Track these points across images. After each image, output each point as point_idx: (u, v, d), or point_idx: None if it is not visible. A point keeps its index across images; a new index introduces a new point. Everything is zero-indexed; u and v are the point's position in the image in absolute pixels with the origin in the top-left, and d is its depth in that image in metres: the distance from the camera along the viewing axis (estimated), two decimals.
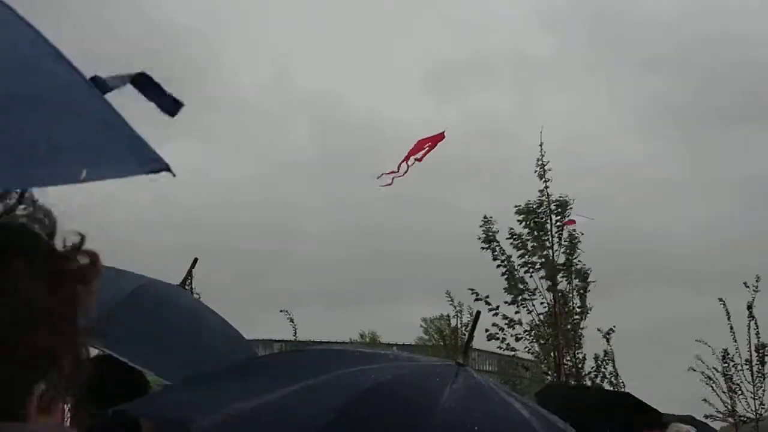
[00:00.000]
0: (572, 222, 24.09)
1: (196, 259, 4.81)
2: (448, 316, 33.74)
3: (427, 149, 21.05)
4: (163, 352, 3.88)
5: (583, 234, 23.05)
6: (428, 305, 77.83)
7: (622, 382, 33.73)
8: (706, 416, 28.71)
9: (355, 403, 2.78)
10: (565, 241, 22.86)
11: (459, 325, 33.75)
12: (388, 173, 20.69)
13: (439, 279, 55.18)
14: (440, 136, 21.19)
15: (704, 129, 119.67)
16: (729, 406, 28.62)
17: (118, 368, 3.75)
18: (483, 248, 22.67)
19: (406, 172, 20.59)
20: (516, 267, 22.53)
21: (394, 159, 21.17)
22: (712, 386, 28.81)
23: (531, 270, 22.63)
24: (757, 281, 27.81)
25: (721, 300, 28.53)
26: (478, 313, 3.37)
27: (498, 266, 22.43)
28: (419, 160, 20.98)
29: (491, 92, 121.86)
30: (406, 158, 20.88)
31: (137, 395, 3.67)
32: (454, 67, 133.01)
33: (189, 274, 4.71)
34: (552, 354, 22.61)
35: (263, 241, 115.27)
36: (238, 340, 4.61)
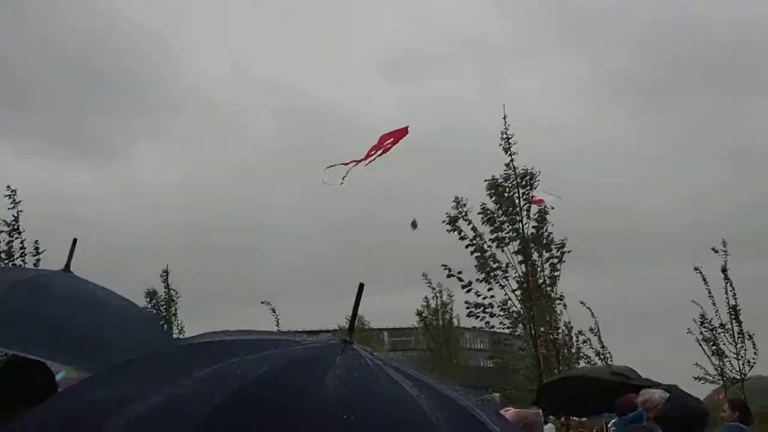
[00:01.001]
0: (540, 201, 24.29)
1: (75, 240, 4.66)
2: (426, 298, 34.01)
3: (390, 144, 20.86)
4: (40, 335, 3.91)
5: (553, 208, 23.12)
6: (417, 290, 77.25)
7: (609, 353, 34.11)
8: (696, 378, 29.20)
9: (224, 408, 2.56)
10: (534, 214, 22.94)
11: (438, 306, 33.97)
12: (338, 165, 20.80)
13: (423, 264, 55.02)
14: (404, 131, 20.95)
15: (672, 104, 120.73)
16: (718, 369, 28.91)
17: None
18: (448, 231, 22.75)
19: (365, 161, 20.67)
20: (488, 243, 22.57)
21: (359, 149, 21.15)
22: (704, 350, 29.21)
23: (502, 245, 22.62)
24: (724, 246, 28.38)
25: (696, 269, 28.98)
26: (361, 286, 2.99)
27: (467, 246, 22.51)
28: (383, 152, 20.89)
29: (451, 77, 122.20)
30: (369, 154, 20.74)
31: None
32: (411, 54, 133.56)
33: (70, 256, 4.57)
34: (528, 327, 22.55)
35: (236, 237, 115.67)
36: (135, 316, 4.64)
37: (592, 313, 34.04)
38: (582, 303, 34.23)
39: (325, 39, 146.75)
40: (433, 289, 31.01)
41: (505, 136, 23.26)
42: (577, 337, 38.27)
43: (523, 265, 22.81)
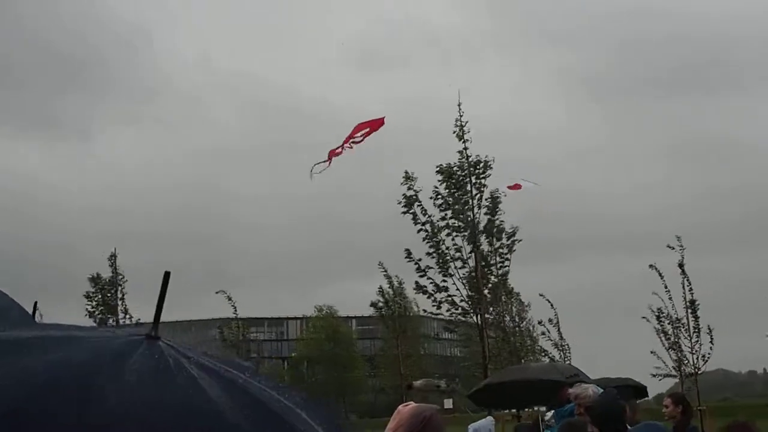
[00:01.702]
0: (518, 186, 24.03)
1: None
2: (381, 287, 33.71)
3: (365, 134, 20.58)
4: None
5: (505, 195, 22.93)
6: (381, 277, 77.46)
7: (567, 345, 34.05)
8: (653, 375, 29.28)
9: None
10: (486, 200, 22.67)
11: (394, 296, 33.66)
12: (324, 161, 20.50)
13: (384, 251, 54.83)
14: (380, 122, 20.78)
15: (619, 98, 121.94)
16: (675, 363, 29.02)
17: None
18: (403, 212, 22.49)
19: (345, 148, 20.34)
20: (438, 229, 22.30)
21: (323, 138, 20.95)
22: (662, 342, 29.38)
23: (454, 234, 22.40)
24: (679, 241, 28.71)
25: (652, 266, 29.22)
26: (167, 274, 2.45)
27: (419, 231, 22.28)
28: (357, 142, 20.62)
29: (415, 69, 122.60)
30: (345, 142, 20.49)
31: None
32: (374, 45, 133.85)
33: None
34: (475, 317, 22.34)
35: (198, 224, 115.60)
36: None
37: (551, 305, 34.21)
38: (541, 295, 34.33)
39: (293, 30, 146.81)
40: (389, 277, 30.73)
41: (459, 123, 23.07)
42: (533, 328, 38.60)
43: (473, 254, 22.66)
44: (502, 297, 31.09)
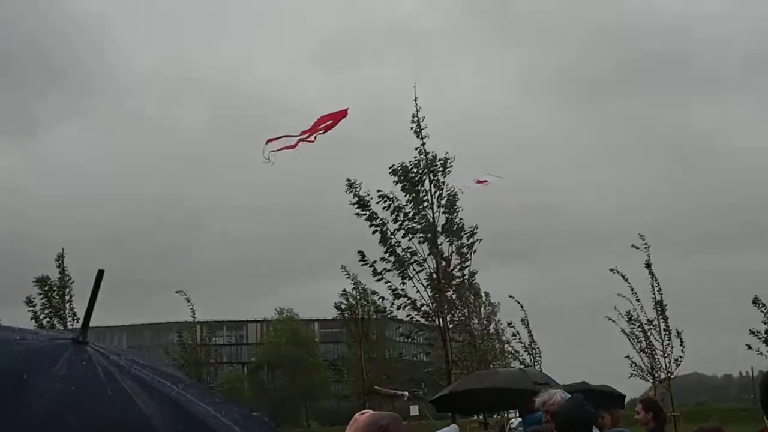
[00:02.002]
0: (483, 182, 23.78)
1: None
2: (345, 291, 33.64)
3: (328, 125, 20.32)
4: None
5: (462, 192, 22.65)
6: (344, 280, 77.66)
7: (538, 347, 34.04)
8: (631, 376, 29.32)
9: None
10: (442, 198, 22.32)
11: (357, 298, 33.55)
12: (278, 150, 20.12)
13: (348, 252, 54.67)
14: (343, 113, 20.47)
15: (585, 97, 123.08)
16: (647, 366, 29.06)
17: None
18: (357, 214, 22.23)
19: (305, 138, 20.04)
20: (391, 232, 22.04)
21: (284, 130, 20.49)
22: (633, 345, 29.46)
23: (411, 235, 22.10)
24: (643, 240, 28.90)
25: (613, 270, 29.30)
26: (100, 273, 2.24)
27: (374, 232, 22.05)
28: (322, 133, 20.38)
29: (379, 65, 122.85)
30: (308, 133, 20.21)
31: None
32: (342, 42, 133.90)
33: None
34: (436, 321, 22.08)
35: (157, 225, 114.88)
36: None
37: (522, 306, 34.16)
38: (510, 296, 34.30)
39: (255, 27, 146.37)
40: (352, 280, 30.53)
41: (415, 118, 22.63)
42: (502, 331, 38.60)
43: (432, 256, 22.21)
44: (471, 298, 30.88)
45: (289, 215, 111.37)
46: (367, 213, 22.32)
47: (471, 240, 22.81)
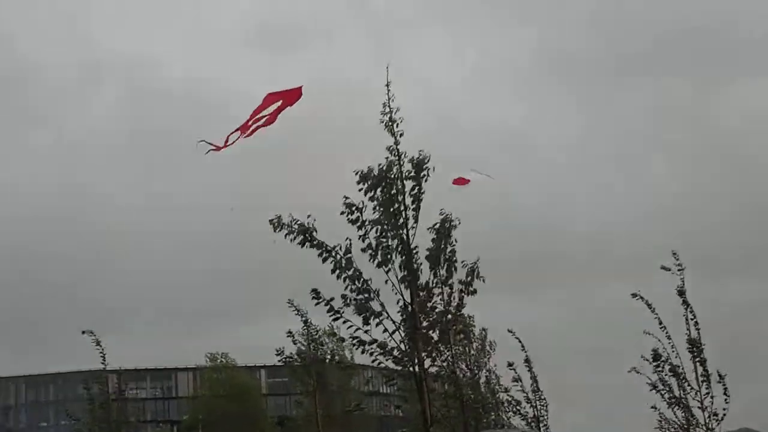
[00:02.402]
0: (464, 181, 23.38)
1: None
2: (291, 332, 33.32)
3: (277, 109, 20.04)
4: None
5: (459, 223, 22.21)
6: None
7: (543, 397, 33.60)
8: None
9: None
10: (433, 227, 21.92)
11: (310, 339, 33.24)
12: (221, 145, 19.95)
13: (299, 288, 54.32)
14: (296, 93, 20.08)
15: (594, 83, 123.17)
16: (681, 421, 28.70)
17: None
18: (300, 244, 21.76)
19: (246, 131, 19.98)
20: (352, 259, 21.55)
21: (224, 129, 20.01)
22: (662, 396, 28.94)
23: (385, 260, 21.66)
24: (676, 259, 28.60)
25: (636, 295, 29.05)
26: None
27: (324, 259, 21.56)
28: (269, 122, 20.07)
29: (338, 48, 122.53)
30: (252, 117, 19.90)
31: None
32: (288, 21, 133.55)
33: None
34: (412, 367, 21.58)
35: (65, 242, 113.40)
36: None
37: (523, 346, 33.64)
38: (510, 331, 33.88)
39: (185, 8, 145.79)
40: (302, 318, 30.21)
41: (388, 108, 21.90)
42: (497, 378, 38.11)
43: (405, 285, 21.61)
44: (460, 337, 30.45)
45: (224, 241, 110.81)
46: (318, 243, 21.85)
47: (469, 278, 22.48)
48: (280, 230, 21.84)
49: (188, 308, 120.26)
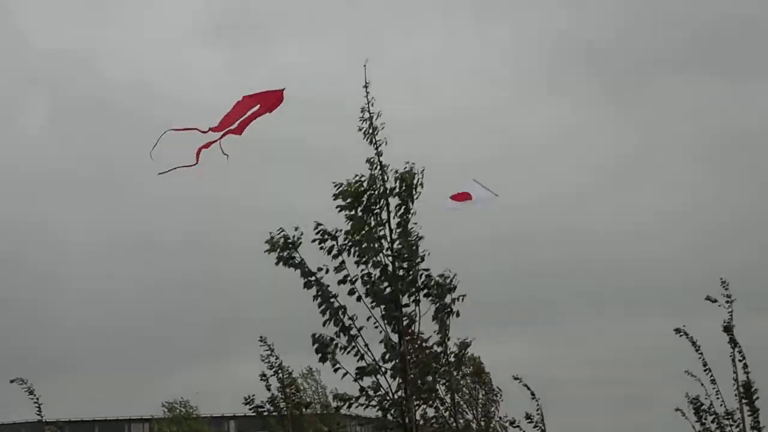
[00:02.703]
0: (465, 197, 23.36)
1: None
2: (263, 374, 33.20)
3: (253, 114, 20.23)
4: None
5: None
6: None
7: None
8: None
9: None
10: (411, 237, 21.91)
11: (282, 381, 33.14)
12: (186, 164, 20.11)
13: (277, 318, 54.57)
14: (277, 96, 20.34)
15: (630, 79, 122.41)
16: None
17: None
18: (277, 263, 21.82)
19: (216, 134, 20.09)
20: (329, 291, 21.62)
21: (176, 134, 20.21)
22: None
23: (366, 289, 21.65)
24: (725, 289, 28.45)
25: (679, 331, 29.24)
26: None
27: (306, 283, 21.60)
28: (239, 130, 20.27)
29: (309, 39, 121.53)
30: (222, 126, 20.06)
31: None
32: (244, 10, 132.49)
33: None
34: (400, 416, 21.53)
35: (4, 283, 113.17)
36: None
37: (532, 394, 33.65)
38: (516, 378, 33.91)
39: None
40: (271, 359, 30.18)
41: (367, 114, 21.85)
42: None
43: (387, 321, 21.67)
44: (459, 380, 30.45)
45: (183, 266, 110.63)
46: (298, 263, 21.84)
47: (450, 298, 22.32)
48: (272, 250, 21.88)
49: (145, 352, 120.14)
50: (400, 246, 22.12)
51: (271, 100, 20.20)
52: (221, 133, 20.29)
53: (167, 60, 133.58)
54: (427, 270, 22.31)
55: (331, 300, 21.59)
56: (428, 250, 22.35)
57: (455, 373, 25.61)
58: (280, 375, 32.37)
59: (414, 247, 22.18)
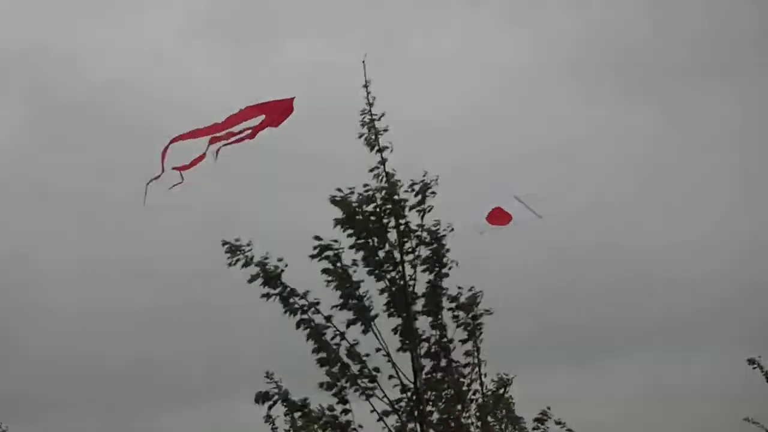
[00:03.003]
0: (503, 218, 22.14)
1: None
2: (269, 417, 31.42)
3: (258, 126, 18.68)
4: None
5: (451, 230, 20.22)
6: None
7: None
8: None
9: None
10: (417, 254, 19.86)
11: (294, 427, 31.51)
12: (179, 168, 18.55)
13: (277, 349, 52.71)
14: (285, 106, 18.56)
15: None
16: None
17: None
18: (265, 295, 19.91)
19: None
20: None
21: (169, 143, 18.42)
22: None
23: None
24: None
25: (753, 362, 27.33)
26: None
27: (303, 327, 19.72)
28: (246, 138, 18.75)
29: (310, 35, 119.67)
30: (216, 138, 18.64)
31: None
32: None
33: None
34: None
35: None
36: None
37: None
38: (559, 423, 31.79)
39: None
40: (283, 399, 28.48)
41: (369, 116, 19.99)
42: None
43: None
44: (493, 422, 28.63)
45: (171, 295, 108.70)
46: (285, 295, 19.94)
47: (471, 315, 20.33)
48: (234, 260, 20.06)
49: (125, 393, 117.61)
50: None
51: (279, 110, 18.32)
52: (220, 143, 18.56)
53: (159, 60, 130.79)
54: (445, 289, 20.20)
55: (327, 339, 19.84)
56: (456, 260, 20.24)
57: (490, 418, 23.33)
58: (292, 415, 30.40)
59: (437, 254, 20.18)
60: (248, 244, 20.08)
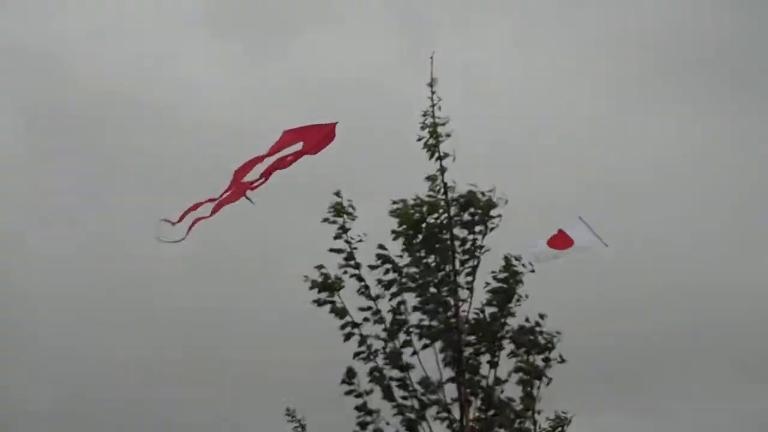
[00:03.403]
0: (565, 242, 20.69)
1: None
2: None
3: (296, 154, 17.29)
4: None
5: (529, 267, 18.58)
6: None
7: None
8: None
9: None
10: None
11: None
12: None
13: (303, 383, 51.32)
14: (328, 131, 17.13)
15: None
16: None
17: None
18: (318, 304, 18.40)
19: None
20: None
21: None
22: None
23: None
24: None
25: None
26: None
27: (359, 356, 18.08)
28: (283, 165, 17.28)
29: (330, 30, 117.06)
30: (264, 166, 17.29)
31: None
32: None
33: None
34: None
35: None
36: None
37: None
38: None
39: None
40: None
41: (431, 119, 18.35)
42: None
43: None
44: None
45: (179, 328, 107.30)
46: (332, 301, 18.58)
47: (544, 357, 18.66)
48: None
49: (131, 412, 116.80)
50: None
51: (320, 135, 16.99)
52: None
53: (166, 59, 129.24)
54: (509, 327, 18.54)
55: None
56: (526, 293, 18.70)
57: None
58: None
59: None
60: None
